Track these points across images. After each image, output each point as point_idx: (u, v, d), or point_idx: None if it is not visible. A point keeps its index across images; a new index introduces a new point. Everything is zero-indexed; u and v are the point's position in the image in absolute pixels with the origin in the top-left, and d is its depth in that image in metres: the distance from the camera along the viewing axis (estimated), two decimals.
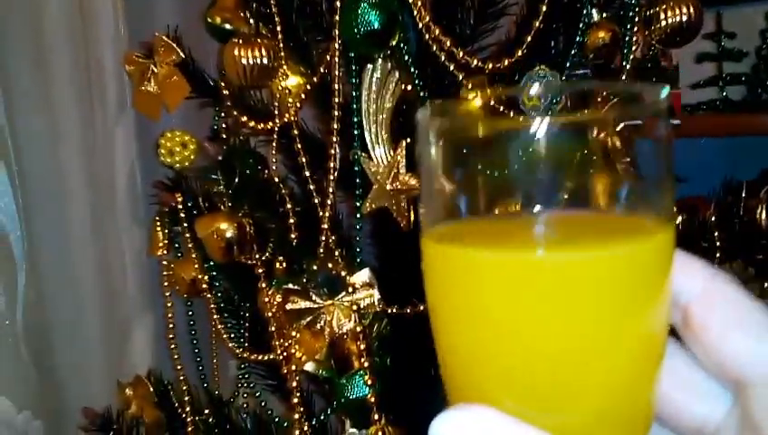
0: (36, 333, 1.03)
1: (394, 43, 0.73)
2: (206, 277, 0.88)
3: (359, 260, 0.75)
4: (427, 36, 0.73)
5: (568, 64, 0.77)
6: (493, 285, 0.27)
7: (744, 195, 0.95)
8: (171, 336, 0.90)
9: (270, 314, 0.82)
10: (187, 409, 0.88)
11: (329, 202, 0.77)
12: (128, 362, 1.11)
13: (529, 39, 0.74)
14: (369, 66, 0.77)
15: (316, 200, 0.81)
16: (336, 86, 0.76)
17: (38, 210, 1.02)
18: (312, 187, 0.82)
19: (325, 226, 0.77)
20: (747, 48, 1.71)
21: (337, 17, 0.73)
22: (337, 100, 0.75)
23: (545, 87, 0.77)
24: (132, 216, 1.10)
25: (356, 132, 0.78)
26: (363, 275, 0.69)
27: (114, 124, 1.10)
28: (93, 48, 1.08)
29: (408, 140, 0.76)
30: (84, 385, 1.07)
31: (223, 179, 0.77)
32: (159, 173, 0.97)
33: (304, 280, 0.69)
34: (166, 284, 0.91)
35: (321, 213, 0.80)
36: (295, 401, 0.71)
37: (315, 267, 0.69)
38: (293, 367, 0.69)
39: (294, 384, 0.71)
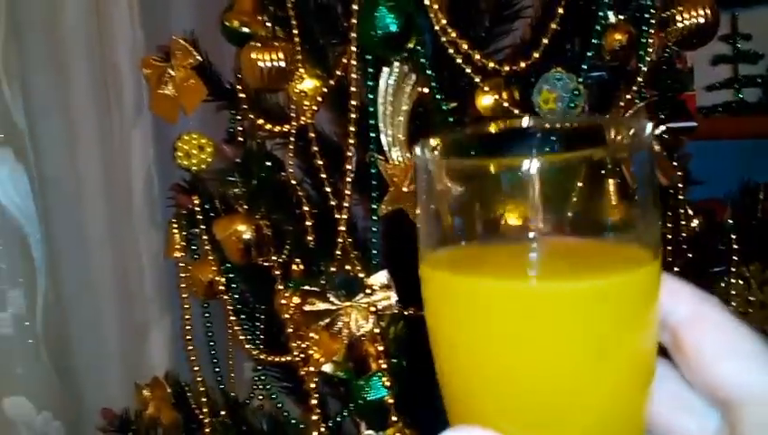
0: (55, 335, 1.04)
1: (411, 45, 0.73)
2: (223, 279, 0.89)
3: (375, 262, 0.75)
4: (443, 39, 0.74)
5: (584, 67, 0.77)
6: (486, 313, 0.28)
7: (761, 197, 0.95)
8: (189, 338, 0.90)
9: (287, 316, 0.82)
10: (205, 410, 0.88)
11: (345, 204, 0.78)
12: (145, 364, 1.11)
13: (545, 41, 0.74)
14: (386, 69, 0.77)
15: (332, 203, 0.82)
16: (353, 89, 0.76)
17: (57, 213, 1.03)
18: (328, 189, 0.83)
19: (342, 228, 0.77)
20: (763, 50, 1.71)
21: (354, 20, 0.73)
22: (354, 102, 0.76)
23: (562, 88, 0.77)
24: (149, 218, 1.11)
25: (372, 135, 0.78)
26: (381, 277, 0.69)
27: (131, 127, 1.11)
28: (110, 52, 1.09)
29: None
30: (102, 387, 1.08)
31: (241, 182, 0.78)
32: (176, 176, 0.97)
33: (322, 282, 0.69)
34: (183, 286, 0.92)
35: (337, 215, 0.80)
36: (313, 402, 0.72)
37: (333, 269, 0.69)
38: (311, 368, 0.69)
39: (313, 386, 0.71)
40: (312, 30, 0.85)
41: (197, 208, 0.90)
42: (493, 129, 0.33)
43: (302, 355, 0.81)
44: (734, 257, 0.93)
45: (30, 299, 1.00)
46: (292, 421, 0.90)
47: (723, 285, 0.94)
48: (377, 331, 0.67)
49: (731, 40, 1.67)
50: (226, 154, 0.82)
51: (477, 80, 0.74)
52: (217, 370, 0.98)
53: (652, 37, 0.82)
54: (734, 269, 0.93)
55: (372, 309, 0.68)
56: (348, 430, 0.89)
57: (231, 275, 0.91)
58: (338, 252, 0.77)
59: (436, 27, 0.73)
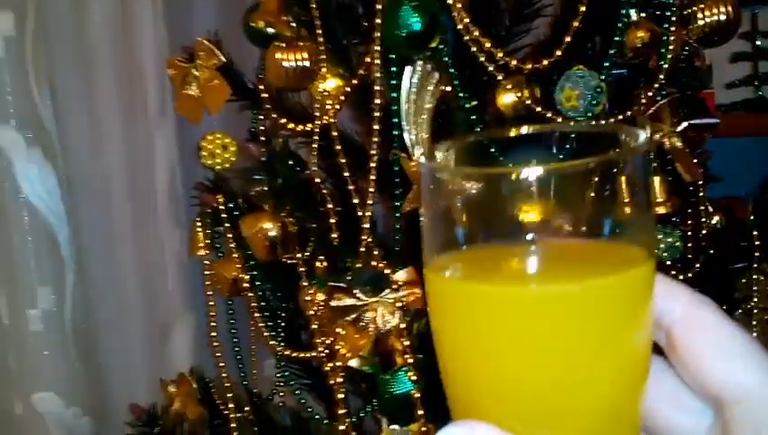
0: (83, 332, 1.06)
1: (434, 44, 0.74)
2: (247, 276, 0.90)
3: (399, 259, 0.76)
4: (466, 37, 0.74)
5: (606, 64, 0.77)
6: (487, 315, 0.30)
7: None
8: (214, 335, 0.92)
9: (311, 313, 0.83)
10: (230, 406, 0.90)
11: (369, 202, 0.79)
12: (168, 361, 1.13)
13: (568, 39, 0.75)
14: (409, 68, 0.78)
15: (355, 200, 0.83)
16: (377, 88, 0.77)
17: (83, 212, 1.05)
18: (351, 187, 0.83)
19: (366, 225, 0.78)
20: None
21: (378, 20, 0.74)
22: (378, 101, 0.77)
23: (584, 86, 0.78)
24: (173, 217, 1.12)
25: (396, 133, 0.79)
26: (406, 273, 0.70)
27: (155, 127, 1.12)
28: (134, 52, 1.11)
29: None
30: (127, 382, 1.09)
31: (266, 180, 0.79)
32: (199, 175, 0.99)
33: (348, 278, 0.70)
34: (208, 283, 0.93)
35: (360, 212, 0.81)
36: (340, 396, 0.73)
37: (358, 266, 0.70)
38: (338, 363, 0.70)
39: (340, 380, 0.72)
40: (335, 30, 0.86)
41: (222, 207, 0.92)
42: (493, 136, 0.34)
43: (326, 351, 0.82)
44: (756, 254, 0.93)
45: (59, 296, 1.02)
46: (316, 417, 0.91)
47: (744, 281, 0.94)
48: (402, 326, 0.68)
49: (751, 37, 1.66)
50: (252, 153, 0.83)
51: (500, 78, 0.75)
52: (240, 366, 0.99)
53: (673, 35, 0.82)
54: (755, 265, 0.93)
55: (398, 305, 0.69)
56: (367, 426, 0.90)
57: (255, 273, 0.92)
58: (362, 249, 0.78)
59: (459, 26, 0.74)
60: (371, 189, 0.79)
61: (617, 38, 0.77)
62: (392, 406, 0.75)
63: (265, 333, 0.90)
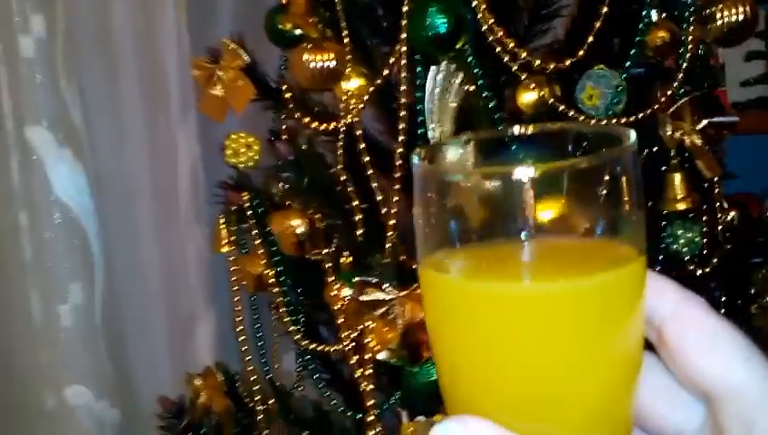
0: (111, 327, 1.08)
1: (459, 45, 0.75)
2: (272, 272, 0.92)
3: None
4: (490, 38, 0.76)
5: (627, 64, 0.79)
6: (480, 312, 0.30)
7: None
8: (240, 329, 0.94)
9: (337, 307, 0.85)
10: (256, 398, 0.92)
11: (395, 199, 0.80)
12: (190, 355, 1.15)
13: (590, 39, 0.77)
14: (433, 67, 0.80)
15: (379, 197, 0.84)
16: (402, 87, 0.78)
17: (110, 209, 1.07)
18: (374, 184, 0.85)
19: (392, 221, 0.80)
20: None
21: (404, 21, 0.76)
22: (403, 100, 0.78)
23: (605, 85, 0.79)
24: (195, 214, 1.14)
25: (420, 132, 0.81)
26: None
27: (177, 126, 1.14)
28: (157, 52, 1.13)
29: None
30: (152, 376, 1.11)
31: (294, 178, 0.81)
32: (221, 173, 1.01)
33: (377, 273, 0.72)
34: (234, 279, 0.95)
35: (384, 209, 0.83)
36: (370, 387, 0.75)
37: (387, 261, 0.72)
38: (367, 356, 0.72)
39: (369, 372, 0.74)
40: (359, 31, 0.88)
41: (247, 204, 0.94)
42: (488, 135, 0.35)
43: (352, 344, 0.84)
44: None
45: (89, 292, 1.04)
46: (339, 410, 0.93)
47: (760, 276, 0.96)
48: None
49: (765, 36, 1.67)
50: (280, 152, 0.85)
51: (524, 77, 0.77)
52: (264, 360, 1.01)
53: (692, 35, 0.84)
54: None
55: None
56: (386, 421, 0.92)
57: (280, 269, 0.94)
58: (388, 245, 0.80)
59: (484, 27, 0.75)
60: (396, 186, 0.81)
61: (638, 38, 0.79)
62: (418, 398, 0.76)
63: (291, 328, 0.92)
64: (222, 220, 0.99)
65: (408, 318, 0.71)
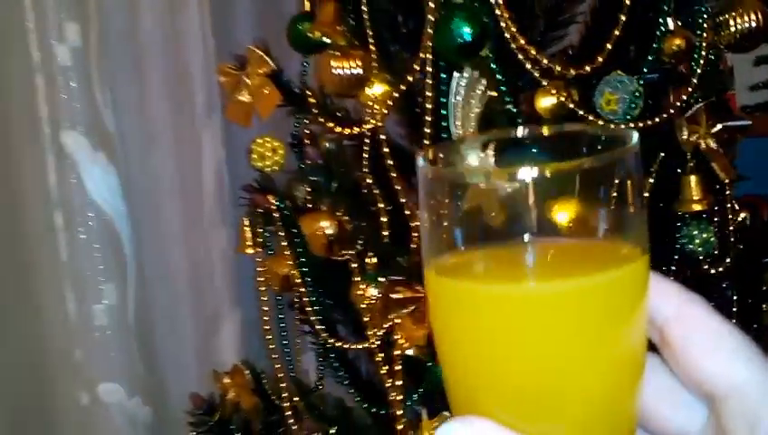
0: (143, 326, 1.11)
1: (483, 53, 0.78)
2: (298, 272, 0.95)
3: None
4: (513, 45, 0.79)
5: (644, 69, 0.82)
6: (485, 313, 0.30)
7: None
8: (267, 328, 0.97)
9: (363, 306, 0.88)
10: (284, 395, 0.94)
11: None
12: (215, 353, 1.18)
13: (609, 46, 0.79)
14: (457, 74, 0.83)
15: (402, 200, 0.87)
16: (428, 93, 0.81)
17: (139, 211, 1.10)
18: (398, 187, 0.88)
19: (416, 223, 0.83)
20: None
21: (429, 30, 0.79)
22: (429, 106, 0.81)
23: (623, 90, 0.82)
24: (220, 216, 1.17)
25: (444, 136, 0.84)
26: None
27: (202, 129, 1.17)
28: (182, 57, 1.16)
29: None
30: (179, 374, 1.14)
31: (323, 181, 0.84)
32: (245, 176, 1.03)
33: (403, 272, 0.75)
34: (260, 279, 0.98)
35: (408, 212, 0.86)
36: (399, 383, 0.77)
37: (415, 260, 0.75)
38: (397, 352, 0.75)
39: (398, 368, 0.77)
40: (384, 38, 0.90)
41: (273, 206, 0.97)
42: (491, 137, 0.34)
43: (377, 342, 0.87)
44: None
45: (122, 292, 1.07)
46: (364, 407, 0.96)
47: None
48: None
49: None
50: (308, 156, 0.88)
51: (545, 83, 0.80)
52: (288, 358, 1.04)
53: (705, 41, 0.87)
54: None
55: None
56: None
57: (305, 269, 0.97)
58: (413, 245, 0.83)
59: (507, 35, 0.78)
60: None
61: (655, 45, 0.82)
62: (442, 394, 0.79)
63: (317, 326, 0.94)
64: (247, 222, 1.02)
65: None
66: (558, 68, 0.80)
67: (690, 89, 0.86)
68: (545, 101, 0.85)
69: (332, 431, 0.90)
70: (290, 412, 0.92)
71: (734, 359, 0.31)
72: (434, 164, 0.33)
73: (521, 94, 0.87)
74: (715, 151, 0.79)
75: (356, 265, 0.89)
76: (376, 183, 0.92)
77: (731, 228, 0.97)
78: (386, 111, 0.90)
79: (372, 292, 0.88)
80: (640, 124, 0.81)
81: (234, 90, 1.00)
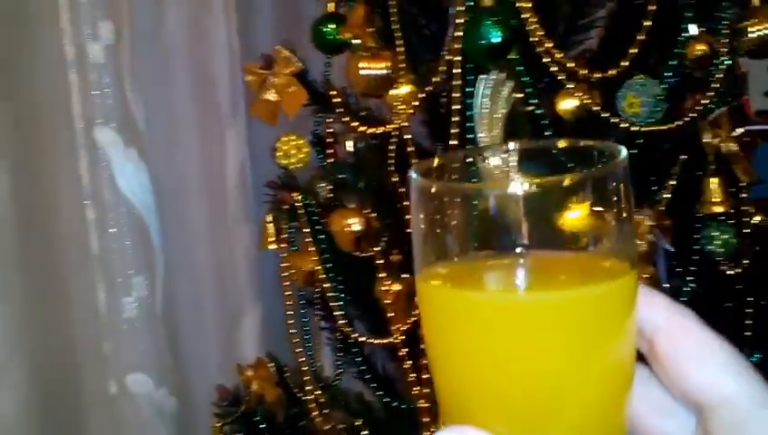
0: (170, 318, 1.14)
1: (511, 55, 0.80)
2: (322, 268, 0.97)
3: None
4: (539, 49, 0.81)
5: (667, 74, 0.84)
6: (476, 322, 0.31)
7: None
8: (291, 322, 0.99)
9: (388, 301, 0.90)
10: (307, 388, 0.96)
11: None
12: (237, 347, 1.21)
13: (633, 51, 0.81)
14: (483, 76, 0.85)
15: None
16: (455, 95, 0.83)
17: (167, 207, 1.13)
18: None
19: None
20: None
21: (458, 33, 0.81)
22: (456, 107, 0.83)
23: (645, 94, 0.84)
24: (243, 213, 1.19)
25: (469, 137, 0.85)
26: None
27: (227, 128, 1.20)
28: (207, 56, 1.18)
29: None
30: (203, 366, 1.17)
31: (351, 179, 0.86)
32: (267, 173, 1.05)
33: None
34: (285, 275, 1.00)
35: None
36: (425, 376, 0.79)
37: None
38: (423, 346, 0.77)
39: (424, 363, 0.79)
40: (411, 40, 0.92)
41: (298, 203, 0.99)
42: (481, 151, 0.36)
43: (401, 337, 0.89)
44: None
45: (150, 284, 1.10)
46: (385, 401, 0.98)
47: None
48: None
49: None
50: (339, 155, 0.90)
51: (570, 86, 0.81)
52: (310, 353, 1.06)
53: (725, 47, 0.88)
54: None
55: None
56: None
57: (329, 265, 0.99)
58: None
59: (534, 38, 0.80)
60: None
61: (677, 50, 0.84)
62: None
63: (340, 321, 0.96)
64: (269, 218, 1.04)
65: None
66: (583, 71, 0.82)
67: (711, 93, 0.87)
68: (567, 104, 0.87)
69: (357, 423, 0.92)
70: (313, 405, 0.93)
71: (723, 371, 0.32)
72: (426, 177, 0.33)
73: (545, 96, 0.89)
74: (736, 154, 0.81)
75: (381, 262, 0.91)
76: (401, 181, 0.94)
77: (747, 230, 0.99)
78: (411, 111, 0.92)
79: (397, 287, 0.90)
80: (662, 127, 0.83)
81: (260, 89, 1.02)
